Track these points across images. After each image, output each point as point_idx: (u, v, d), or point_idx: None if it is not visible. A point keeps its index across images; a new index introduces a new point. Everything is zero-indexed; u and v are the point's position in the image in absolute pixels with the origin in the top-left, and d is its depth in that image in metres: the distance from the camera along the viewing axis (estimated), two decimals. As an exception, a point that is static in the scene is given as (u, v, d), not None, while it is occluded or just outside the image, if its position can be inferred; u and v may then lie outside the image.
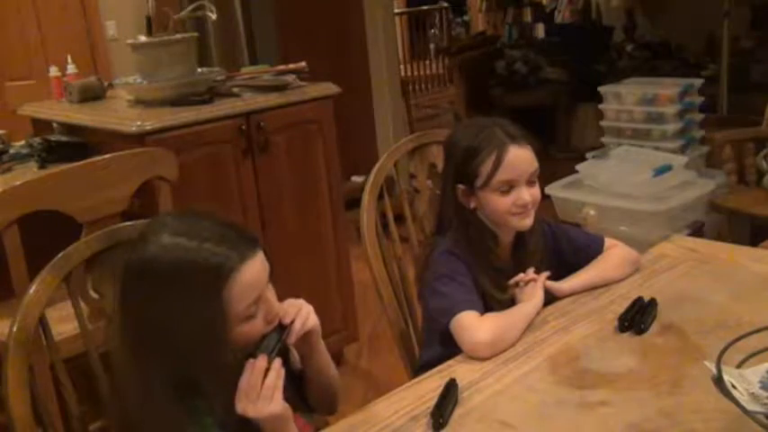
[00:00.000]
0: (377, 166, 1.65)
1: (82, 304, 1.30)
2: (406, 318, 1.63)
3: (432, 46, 8.67)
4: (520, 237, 1.47)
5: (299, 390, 1.23)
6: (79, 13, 4.61)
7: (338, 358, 2.73)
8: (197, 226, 1.05)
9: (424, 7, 8.74)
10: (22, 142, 2.44)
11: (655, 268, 1.53)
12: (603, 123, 3.97)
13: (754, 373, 0.96)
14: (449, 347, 1.30)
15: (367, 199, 1.60)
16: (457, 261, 1.39)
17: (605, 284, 1.46)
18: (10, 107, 3.95)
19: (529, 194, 1.40)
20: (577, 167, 3.57)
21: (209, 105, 2.34)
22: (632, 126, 3.82)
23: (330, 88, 2.57)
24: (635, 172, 3.34)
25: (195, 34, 2.56)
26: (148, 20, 2.72)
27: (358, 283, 2.77)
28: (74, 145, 2.34)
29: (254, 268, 1.04)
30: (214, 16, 2.56)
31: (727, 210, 3.02)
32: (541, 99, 5.55)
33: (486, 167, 1.39)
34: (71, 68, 3.04)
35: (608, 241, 1.54)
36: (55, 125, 2.57)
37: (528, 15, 7.39)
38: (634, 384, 1.12)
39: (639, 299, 1.34)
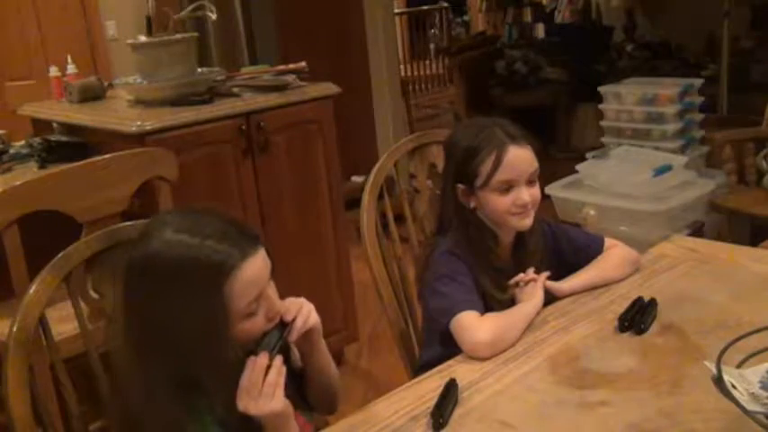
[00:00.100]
0: (377, 166, 1.65)
1: (82, 304, 1.30)
2: (406, 318, 1.63)
3: (432, 46, 8.67)
4: (520, 237, 1.47)
5: (300, 389, 1.23)
6: (79, 13, 4.62)
7: (338, 358, 2.72)
8: (199, 223, 1.06)
9: (424, 7, 8.74)
10: (22, 142, 2.44)
11: (655, 268, 1.53)
12: (603, 123, 3.97)
13: (754, 373, 0.96)
14: (449, 347, 1.30)
15: (367, 199, 1.60)
16: (457, 261, 1.39)
17: (605, 284, 1.46)
18: (10, 107, 3.96)
19: (528, 194, 1.40)
20: (577, 167, 3.57)
21: (209, 105, 2.34)
22: (632, 126, 3.82)
23: (330, 88, 2.57)
24: (635, 172, 3.34)
25: (195, 34, 2.56)
26: (148, 20, 2.72)
27: (358, 283, 2.77)
28: (74, 145, 2.34)
29: (256, 265, 1.05)
30: (214, 16, 2.56)
31: (727, 210, 3.02)
32: (541, 99, 5.55)
33: (485, 167, 1.39)
34: (71, 68, 3.04)
35: (608, 241, 1.54)
36: (55, 125, 2.57)
37: (528, 15, 7.39)
38: (634, 384, 1.12)
39: (639, 299, 1.34)
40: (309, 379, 1.23)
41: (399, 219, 1.69)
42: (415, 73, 8.19)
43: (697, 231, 3.19)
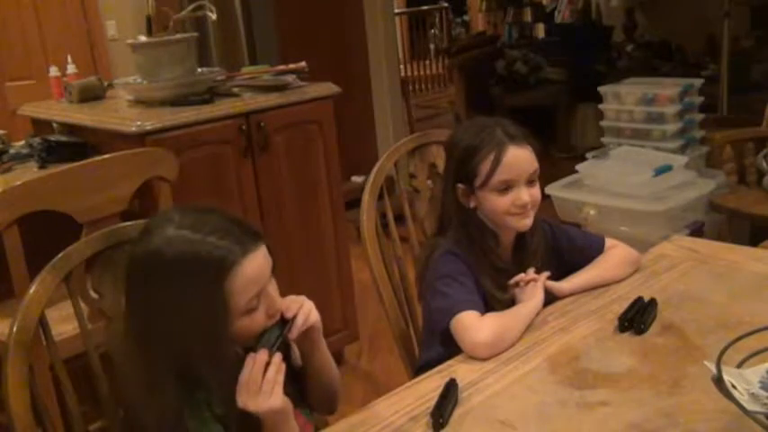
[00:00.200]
0: (377, 166, 1.65)
1: (82, 304, 1.29)
2: (406, 318, 1.63)
3: (432, 46, 8.66)
4: (521, 237, 1.47)
5: (300, 388, 1.23)
6: (79, 13, 4.62)
7: (338, 358, 2.72)
8: (201, 220, 1.06)
9: (424, 7, 8.74)
10: (22, 142, 2.44)
11: (655, 268, 1.53)
12: (603, 123, 3.97)
13: (754, 373, 0.96)
14: (449, 348, 1.30)
15: (367, 199, 1.60)
16: (458, 261, 1.39)
17: (605, 284, 1.46)
18: (10, 107, 3.97)
19: (528, 195, 1.40)
20: (577, 167, 3.57)
21: (209, 105, 2.34)
22: (632, 126, 3.82)
23: (330, 88, 2.57)
24: (635, 172, 3.34)
25: (195, 34, 2.56)
26: (148, 20, 2.72)
27: (358, 283, 2.77)
28: (74, 145, 2.34)
29: (257, 262, 1.05)
30: (214, 16, 2.56)
31: (727, 210, 3.01)
32: (541, 99, 5.55)
33: (484, 167, 1.39)
34: (71, 68, 3.04)
35: (608, 241, 1.54)
36: (55, 125, 2.57)
37: (528, 15, 7.40)
38: (634, 384, 1.12)
39: (639, 299, 1.34)
40: (309, 378, 1.23)
41: (399, 219, 1.69)
42: (415, 73, 8.19)
43: (697, 231, 3.19)
